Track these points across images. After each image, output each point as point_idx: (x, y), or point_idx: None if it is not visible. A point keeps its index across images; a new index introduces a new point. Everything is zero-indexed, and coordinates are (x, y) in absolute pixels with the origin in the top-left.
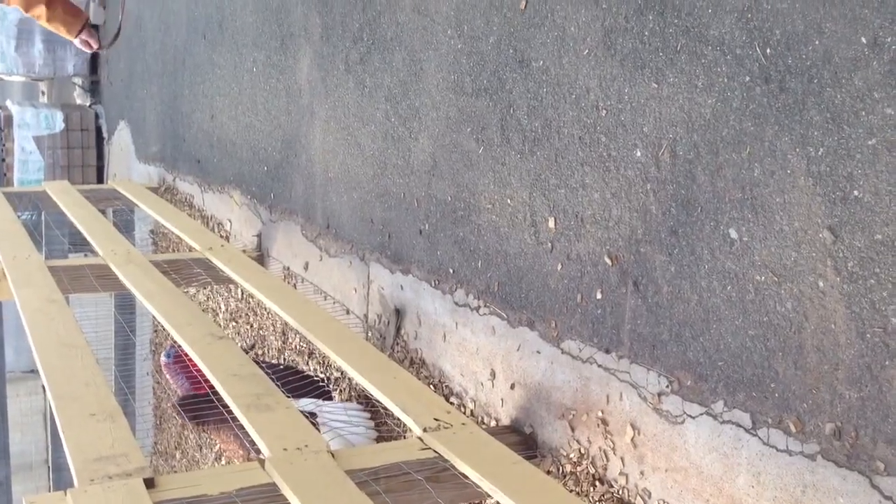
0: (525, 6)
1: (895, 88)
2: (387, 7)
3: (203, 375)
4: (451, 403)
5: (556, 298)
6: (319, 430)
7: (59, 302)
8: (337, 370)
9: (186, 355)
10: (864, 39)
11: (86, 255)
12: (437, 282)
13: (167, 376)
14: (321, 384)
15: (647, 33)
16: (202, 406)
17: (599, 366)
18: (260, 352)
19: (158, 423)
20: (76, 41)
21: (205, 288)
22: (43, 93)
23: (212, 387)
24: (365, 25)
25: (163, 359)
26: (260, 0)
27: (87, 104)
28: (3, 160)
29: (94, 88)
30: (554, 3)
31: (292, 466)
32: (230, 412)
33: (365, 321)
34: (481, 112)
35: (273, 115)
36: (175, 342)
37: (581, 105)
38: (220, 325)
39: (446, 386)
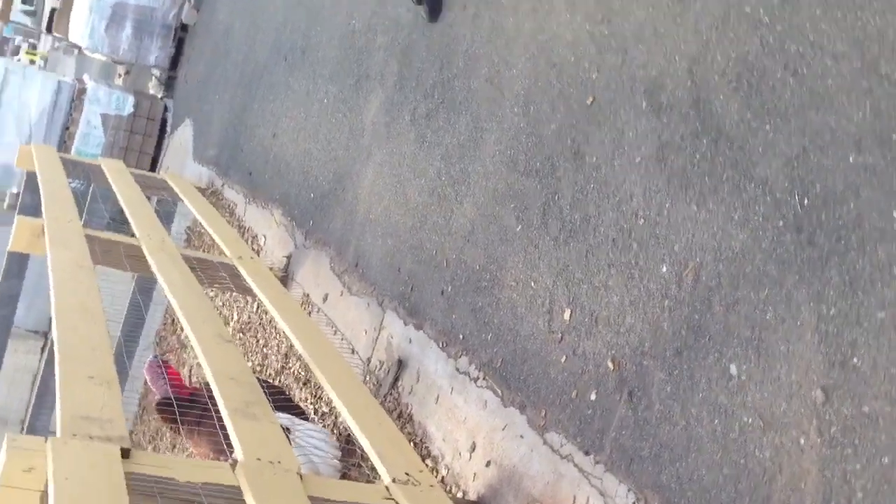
0: (592, 102)
1: None
2: (463, 72)
3: (182, 383)
4: (426, 464)
5: (552, 389)
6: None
7: (88, 269)
8: (327, 404)
9: (169, 365)
10: (895, 213)
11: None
12: (445, 344)
13: (148, 378)
14: (303, 414)
15: (698, 157)
16: (181, 408)
17: (576, 465)
18: (258, 368)
19: (140, 412)
20: None
21: (224, 293)
22: (120, 76)
23: (194, 391)
24: (438, 84)
25: (149, 358)
26: (346, 38)
27: (159, 96)
28: (68, 128)
29: (169, 83)
30: (618, 106)
31: (261, 477)
32: (208, 418)
33: (367, 364)
34: (528, 192)
35: (332, 147)
36: (166, 352)
37: (622, 209)
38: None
39: (426, 446)
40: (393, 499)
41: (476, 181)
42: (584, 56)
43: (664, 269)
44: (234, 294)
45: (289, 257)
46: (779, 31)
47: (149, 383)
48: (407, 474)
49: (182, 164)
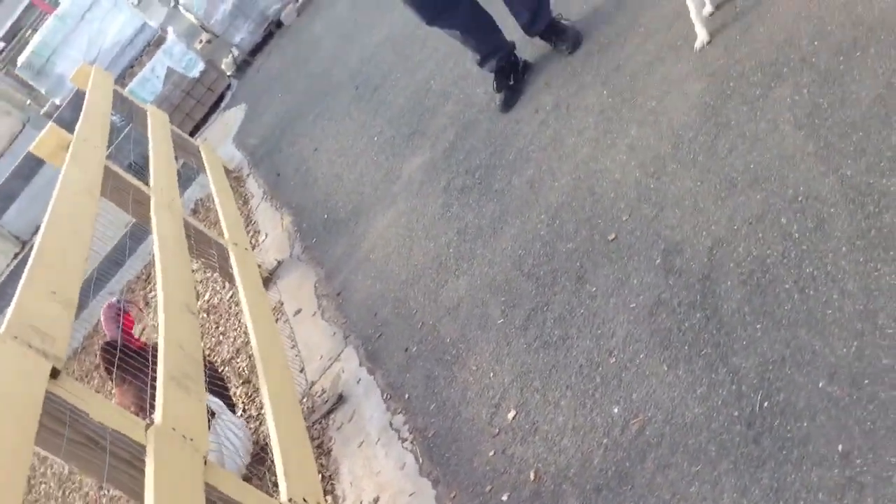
0: (613, 239)
1: (839, 501)
2: (510, 165)
3: (132, 335)
4: (326, 499)
5: (470, 476)
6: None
7: (93, 197)
8: (257, 409)
9: (128, 314)
10: (840, 448)
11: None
12: (389, 396)
13: (103, 317)
14: (233, 406)
15: (686, 325)
16: (123, 357)
17: None
18: (209, 351)
19: (79, 350)
20: None
21: (206, 271)
22: (201, 42)
23: (141, 346)
24: (483, 166)
25: (112, 299)
26: (419, 93)
27: (228, 73)
28: (132, 67)
29: (242, 66)
30: (635, 253)
31: (168, 446)
32: (144, 375)
33: (309, 387)
34: (522, 293)
35: (363, 181)
36: (131, 302)
37: (600, 342)
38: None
39: (332, 483)
40: None
41: (479, 264)
42: (622, 197)
43: (615, 411)
44: (216, 275)
45: (280, 262)
46: (802, 250)
47: (102, 323)
48: (304, 500)
49: (221, 141)
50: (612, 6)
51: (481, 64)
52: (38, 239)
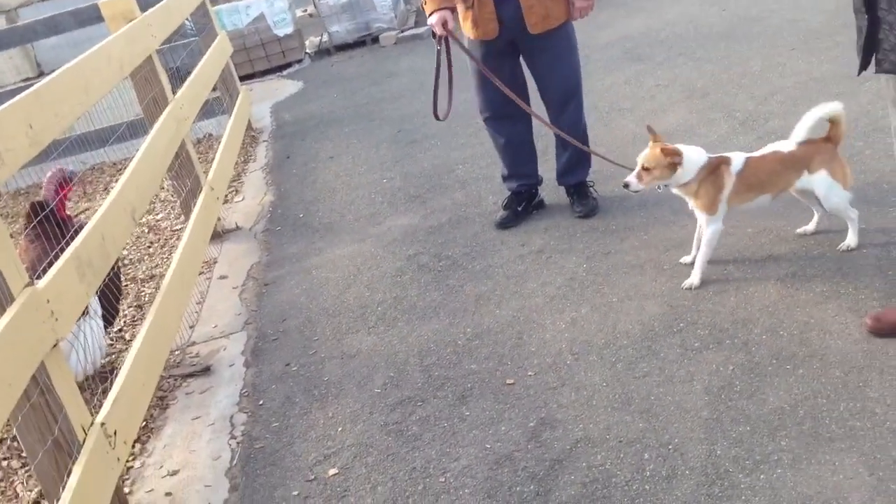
0: (511, 383)
1: None
2: (472, 273)
3: (64, 209)
4: (134, 446)
5: (264, 501)
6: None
7: (122, 73)
8: (127, 340)
9: (70, 186)
10: None
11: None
12: (246, 394)
13: (47, 178)
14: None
15: (518, 489)
16: (45, 220)
17: None
18: (125, 262)
19: (22, 190)
20: (434, 17)
21: (171, 194)
22: (304, 11)
23: (67, 219)
24: (451, 259)
25: (67, 167)
26: (444, 168)
27: (306, 51)
28: None
29: (322, 52)
30: (517, 405)
31: (31, 311)
32: (53, 243)
33: (188, 343)
34: (409, 380)
35: (350, 207)
36: (81, 179)
37: (442, 459)
38: (140, 219)
39: (148, 436)
40: (85, 437)
41: (392, 335)
42: (540, 356)
43: None
44: (176, 203)
45: (238, 228)
46: (645, 489)
47: (44, 183)
48: (115, 433)
49: (262, 100)
50: (636, 204)
51: (504, 179)
52: (51, 75)
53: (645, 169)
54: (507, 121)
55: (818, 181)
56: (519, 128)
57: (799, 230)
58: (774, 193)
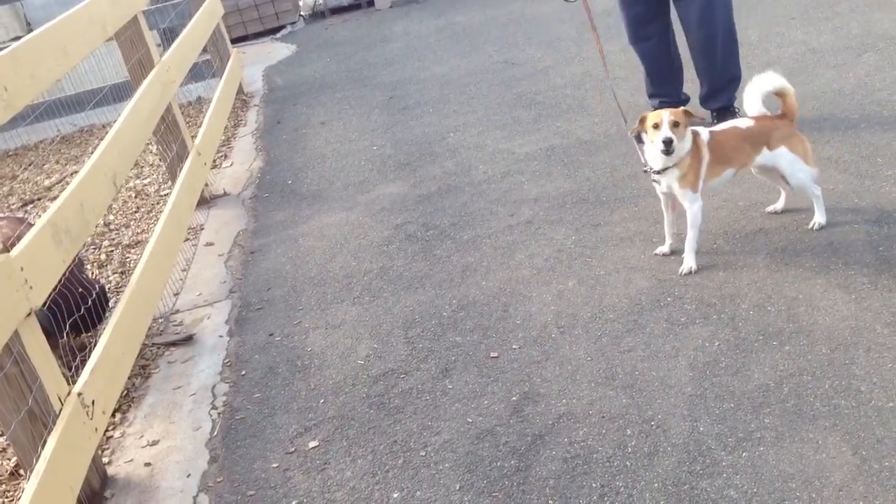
0: (495, 357)
1: None
2: (460, 244)
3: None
4: (114, 416)
5: (245, 473)
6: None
7: (104, 33)
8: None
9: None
10: None
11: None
12: (229, 364)
13: None
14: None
15: (499, 463)
16: None
17: None
18: (109, 227)
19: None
20: None
21: (159, 159)
22: None
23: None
24: (439, 229)
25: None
26: (436, 136)
27: (300, 13)
28: None
29: (317, 15)
30: (500, 379)
31: (3, 281)
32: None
33: (171, 311)
34: (393, 352)
35: (339, 175)
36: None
37: (423, 433)
38: (122, 184)
39: (129, 405)
40: (61, 408)
41: (378, 305)
42: (525, 329)
43: (395, 496)
44: (162, 168)
45: (226, 195)
46: (625, 465)
47: None
48: (92, 402)
49: (253, 63)
50: (627, 175)
51: (649, 97)
52: (27, 36)
53: (674, 125)
54: (645, 42)
55: (780, 157)
56: (658, 48)
57: (768, 209)
58: (737, 168)
